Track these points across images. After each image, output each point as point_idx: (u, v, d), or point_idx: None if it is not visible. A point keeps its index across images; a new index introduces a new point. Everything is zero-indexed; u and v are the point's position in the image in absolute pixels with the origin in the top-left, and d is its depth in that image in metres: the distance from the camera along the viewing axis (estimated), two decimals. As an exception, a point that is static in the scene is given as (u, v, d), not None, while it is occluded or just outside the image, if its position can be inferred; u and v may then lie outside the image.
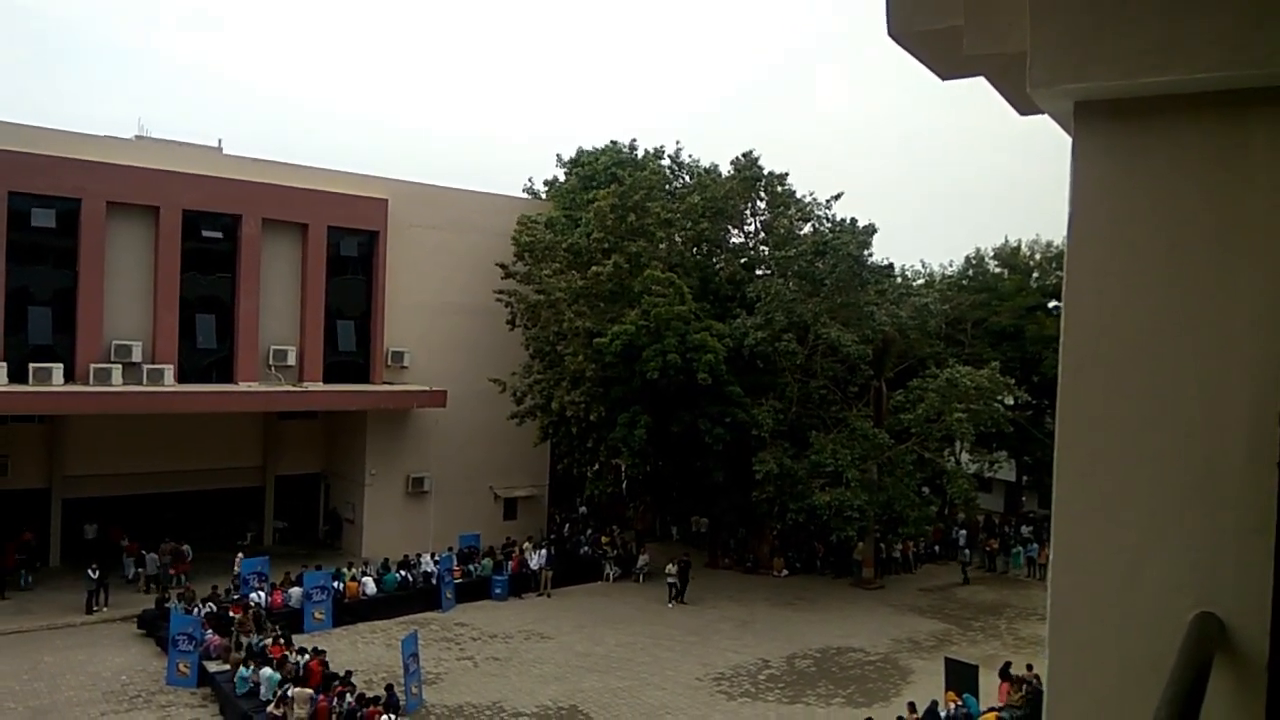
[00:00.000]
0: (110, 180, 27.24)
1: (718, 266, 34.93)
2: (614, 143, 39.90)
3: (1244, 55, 1.30)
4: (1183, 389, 1.40)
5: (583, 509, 39.01)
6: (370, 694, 19.71)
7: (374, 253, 32.55)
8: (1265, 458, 1.34)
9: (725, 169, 35.17)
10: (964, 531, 36.74)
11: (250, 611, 24.07)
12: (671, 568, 30.12)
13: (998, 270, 44.25)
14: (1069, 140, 1.50)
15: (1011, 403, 32.22)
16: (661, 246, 32.39)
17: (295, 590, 26.00)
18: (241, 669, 20.50)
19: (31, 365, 26.26)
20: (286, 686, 19.31)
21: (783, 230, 33.41)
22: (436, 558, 29.62)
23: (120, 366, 27.46)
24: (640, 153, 39.04)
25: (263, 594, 25.40)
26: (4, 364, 25.95)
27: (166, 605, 24.43)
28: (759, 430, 29.28)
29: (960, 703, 19.67)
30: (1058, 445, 1.48)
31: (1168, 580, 1.40)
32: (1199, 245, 1.39)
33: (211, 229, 29.64)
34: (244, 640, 22.53)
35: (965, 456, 38.60)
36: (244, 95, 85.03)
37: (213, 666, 21.76)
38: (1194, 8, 1.33)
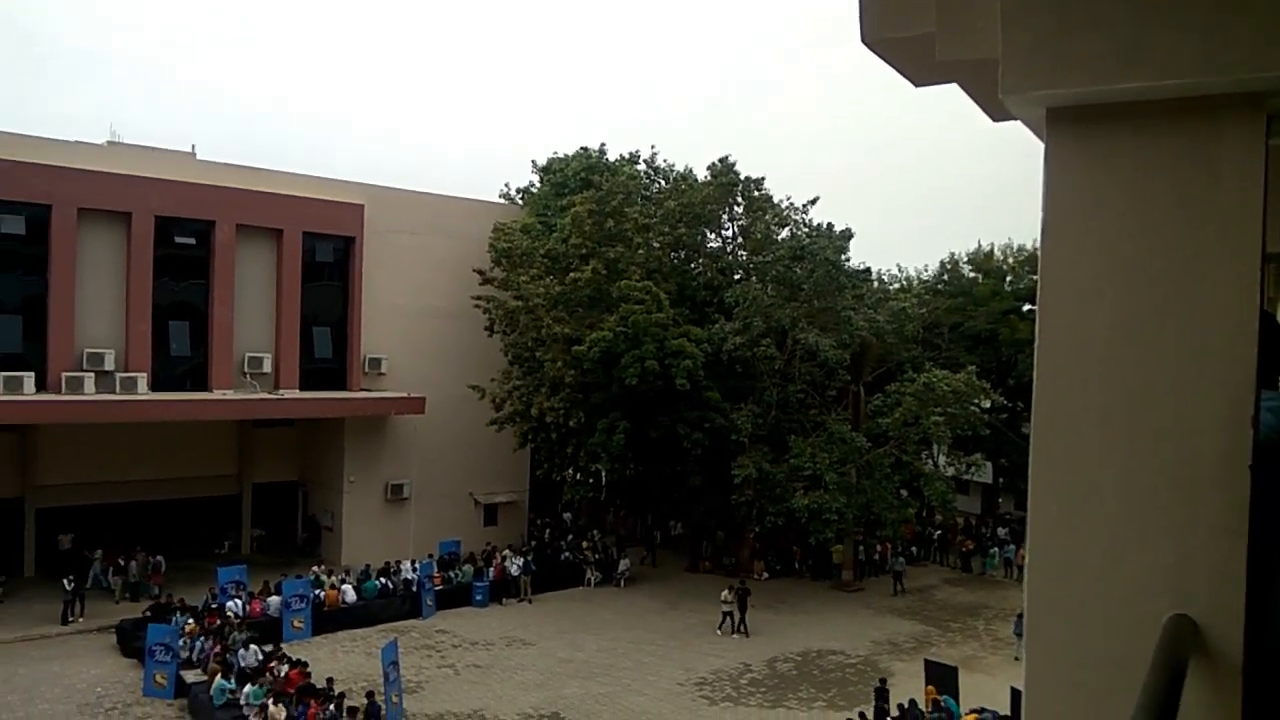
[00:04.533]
0: (81, 186, 26.90)
1: (695, 272, 34.93)
2: (584, 148, 39.63)
3: (1211, 62, 1.31)
4: (1157, 391, 1.40)
5: (566, 515, 38.89)
6: (350, 704, 19.53)
7: (350, 258, 32.33)
8: (1239, 459, 1.35)
9: (701, 174, 35.17)
10: (940, 533, 37.08)
11: (236, 620, 23.93)
12: (728, 595, 27.60)
13: (972, 275, 44.58)
14: (1041, 145, 1.51)
15: (988, 406, 32.46)
16: (639, 252, 32.34)
17: (274, 599, 25.76)
18: (219, 680, 20.26)
19: (2, 374, 25.87)
20: (271, 699, 19.12)
21: (760, 235, 33.43)
22: (416, 564, 29.45)
23: (93, 375, 27.10)
24: (612, 157, 38.93)
25: (240, 602, 25.17)
26: (-26, 373, 25.60)
27: (146, 615, 24.19)
28: (737, 435, 29.30)
29: (940, 700, 19.78)
30: (1033, 448, 1.48)
31: (1142, 582, 1.40)
32: (1170, 248, 1.40)
33: (185, 235, 29.34)
34: (237, 637, 22.43)
35: (942, 459, 38.82)
36: (219, 102, 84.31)
37: (190, 677, 21.53)
38: (1161, 16, 1.34)
